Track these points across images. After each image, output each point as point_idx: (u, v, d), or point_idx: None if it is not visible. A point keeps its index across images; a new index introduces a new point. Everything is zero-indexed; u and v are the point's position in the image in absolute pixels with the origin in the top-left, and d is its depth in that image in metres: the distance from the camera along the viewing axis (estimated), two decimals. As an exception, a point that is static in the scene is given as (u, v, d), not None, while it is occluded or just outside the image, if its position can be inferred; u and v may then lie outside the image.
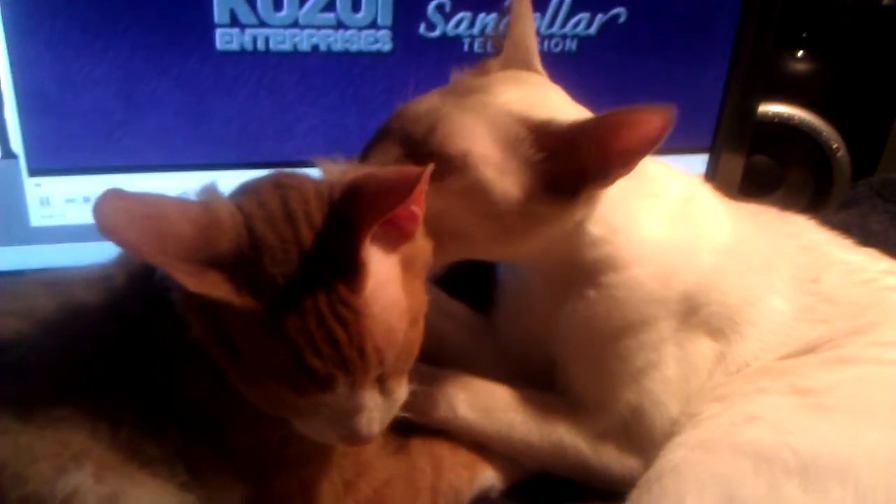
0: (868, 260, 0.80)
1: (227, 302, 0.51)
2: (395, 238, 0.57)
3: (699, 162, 1.00)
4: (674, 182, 0.76)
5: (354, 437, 0.56)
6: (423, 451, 0.72)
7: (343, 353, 0.53)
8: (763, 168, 1.30)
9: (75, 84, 0.80)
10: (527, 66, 0.74)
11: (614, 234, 0.70)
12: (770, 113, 1.24)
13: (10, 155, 0.81)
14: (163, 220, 0.52)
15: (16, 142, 0.81)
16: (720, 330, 0.73)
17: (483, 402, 0.74)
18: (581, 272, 0.71)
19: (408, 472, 0.70)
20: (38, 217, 0.85)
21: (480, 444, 0.74)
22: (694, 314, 0.72)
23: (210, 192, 0.56)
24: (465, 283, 0.82)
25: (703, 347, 0.73)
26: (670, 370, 0.72)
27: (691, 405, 0.73)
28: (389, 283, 0.56)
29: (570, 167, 0.64)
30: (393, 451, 0.71)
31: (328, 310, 0.53)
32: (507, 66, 0.73)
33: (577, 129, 0.63)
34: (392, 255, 0.57)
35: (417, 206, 0.57)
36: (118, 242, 0.50)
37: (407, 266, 0.58)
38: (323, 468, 0.65)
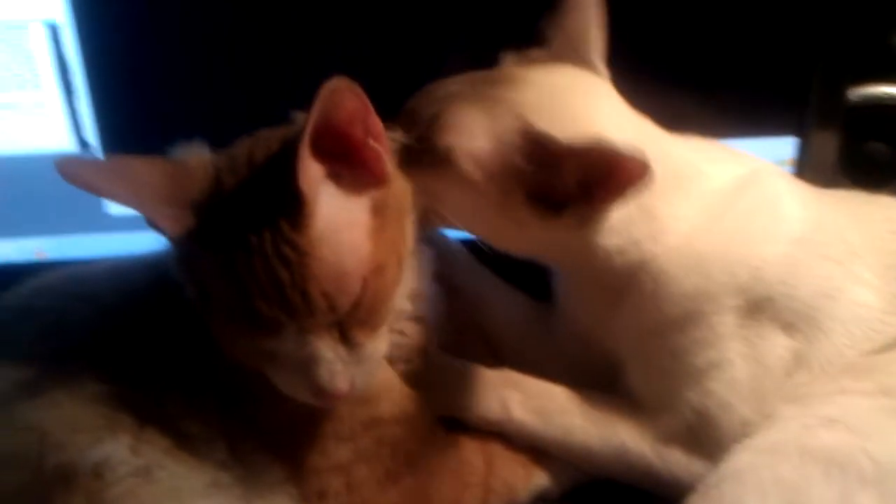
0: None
1: (195, 247, 0.53)
2: (363, 180, 0.56)
3: (787, 145, 0.92)
4: (718, 171, 0.71)
5: (318, 391, 0.55)
6: (475, 448, 0.70)
7: (286, 295, 0.52)
8: (880, 156, 1.20)
9: (147, 74, 0.83)
10: (581, 60, 0.70)
11: (636, 244, 0.67)
12: (887, 95, 1.14)
13: (85, 145, 0.85)
14: (131, 169, 0.54)
15: (90, 132, 0.84)
16: (793, 325, 0.68)
17: (539, 403, 0.72)
18: (619, 276, 0.68)
19: (456, 466, 0.69)
20: (115, 206, 0.87)
21: (536, 447, 0.72)
22: (759, 310, 0.67)
23: (188, 149, 0.58)
24: (528, 274, 0.79)
25: (775, 345, 0.68)
26: (737, 370, 0.67)
27: (766, 406, 0.67)
28: (349, 226, 0.55)
29: (555, 185, 0.62)
30: (441, 444, 0.69)
31: (272, 249, 0.52)
32: (557, 58, 0.70)
33: (566, 152, 0.61)
34: (358, 197, 0.56)
35: (379, 144, 0.56)
36: (87, 188, 0.52)
37: (377, 210, 0.57)
38: (359, 452, 0.64)
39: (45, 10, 0.80)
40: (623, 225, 0.66)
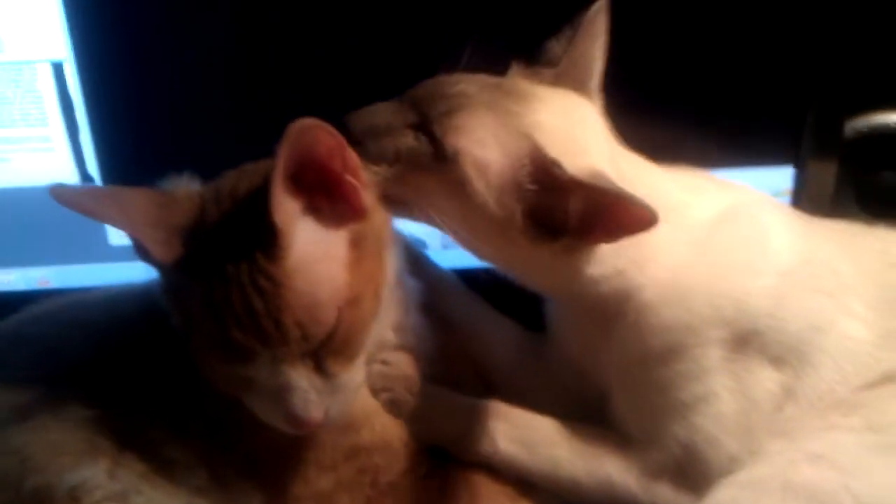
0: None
1: (180, 275, 0.55)
2: (341, 214, 0.58)
3: (785, 175, 0.92)
4: (704, 200, 0.70)
5: (292, 419, 0.56)
6: (459, 478, 0.70)
7: (260, 324, 0.53)
8: (891, 185, 1.18)
9: (145, 111, 0.85)
10: (581, 87, 0.70)
11: (620, 273, 0.67)
12: (888, 124, 1.13)
13: (87, 178, 0.88)
14: (122, 195, 0.57)
15: (91, 165, 0.87)
16: (782, 358, 0.66)
17: (525, 434, 0.71)
18: (605, 305, 0.68)
19: (438, 497, 0.69)
20: (115, 236, 0.91)
21: (522, 479, 0.71)
22: (745, 343, 0.66)
23: (178, 181, 0.61)
24: (521, 304, 0.79)
25: (763, 379, 0.67)
26: (724, 404, 0.66)
27: (754, 441, 0.66)
28: (325, 258, 0.56)
29: (555, 212, 0.62)
30: (425, 474, 0.69)
31: (248, 278, 0.54)
32: (559, 82, 0.70)
33: (575, 185, 0.61)
34: (337, 230, 0.58)
35: (356, 179, 0.58)
36: (79, 210, 0.54)
37: (355, 243, 0.58)
38: (340, 481, 0.65)
39: (51, 50, 0.83)
40: (608, 254, 0.66)
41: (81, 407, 0.61)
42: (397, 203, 0.66)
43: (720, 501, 0.62)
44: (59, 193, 0.54)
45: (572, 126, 0.67)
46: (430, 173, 0.64)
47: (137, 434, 0.60)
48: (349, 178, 0.58)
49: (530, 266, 0.68)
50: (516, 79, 0.70)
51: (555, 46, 0.71)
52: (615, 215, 0.60)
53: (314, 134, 0.54)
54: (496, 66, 0.70)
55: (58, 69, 0.84)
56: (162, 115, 0.86)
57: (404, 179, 0.64)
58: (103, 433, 0.60)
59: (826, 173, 0.90)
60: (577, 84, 0.70)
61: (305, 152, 0.54)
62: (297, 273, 0.54)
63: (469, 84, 0.67)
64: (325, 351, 0.56)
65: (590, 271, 0.67)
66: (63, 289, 0.90)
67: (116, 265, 0.92)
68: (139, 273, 0.81)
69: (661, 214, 0.67)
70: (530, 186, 0.63)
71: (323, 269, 0.56)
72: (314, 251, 0.56)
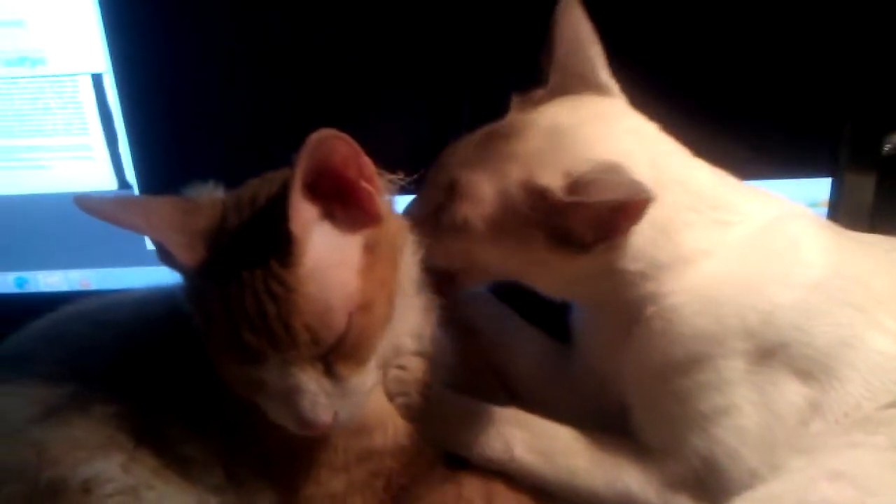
0: None
1: (200, 278, 0.57)
2: (357, 219, 0.59)
3: (823, 186, 0.90)
4: (748, 209, 0.69)
5: (301, 421, 0.57)
6: (476, 486, 0.70)
7: (271, 328, 0.55)
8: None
9: (183, 119, 0.88)
10: (584, 83, 0.70)
11: (658, 270, 0.66)
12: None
13: (125, 185, 0.91)
14: (145, 203, 0.61)
15: (129, 173, 0.91)
16: (809, 373, 0.65)
17: (543, 443, 0.71)
18: (631, 311, 0.67)
19: (453, 502, 0.68)
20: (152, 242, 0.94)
21: (539, 488, 0.70)
22: (771, 355, 0.64)
23: (202, 188, 0.63)
24: (547, 315, 0.79)
25: (788, 393, 0.65)
26: (747, 418, 0.65)
27: (776, 456, 0.65)
28: (339, 264, 0.57)
29: (570, 229, 0.63)
30: (440, 480, 0.69)
31: (262, 284, 0.55)
32: (562, 91, 0.70)
33: (568, 207, 0.62)
34: (352, 236, 0.59)
35: (371, 185, 0.59)
36: (103, 217, 0.57)
37: (369, 249, 0.59)
38: (353, 483, 0.65)
39: (91, 63, 0.87)
40: (646, 249, 0.66)
41: (104, 404, 0.63)
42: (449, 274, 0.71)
43: (732, 517, 0.60)
44: (83, 203, 0.56)
45: (566, 134, 0.66)
46: (462, 240, 0.67)
47: (155, 431, 0.62)
48: (364, 184, 0.59)
49: (575, 279, 0.69)
50: (510, 116, 0.71)
51: (542, 61, 0.72)
52: (613, 216, 0.61)
53: (331, 143, 0.56)
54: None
55: (97, 81, 0.87)
56: (197, 125, 0.89)
57: (447, 249, 0.68)
58: (122, 429, 0.62)
59: (864, 186, 0.87)
60: (577, 84, 0.70)
61: (322, 161, 0.56)
62: (309, 279, 0.56)
63: (463, 148, 0.70)
64: (336, 355, 0.57)
65: (630, 267, 0.66)
66: (102, 290, 0.94)
67: (153, 269, 0.93)
68: (174, 276, 0.84)
69: (711, 216, 0.68)
70: (537, 215, 0.63)
71: (336, 274, 0.57)
72: (328, 257, 0.57)
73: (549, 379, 0.80)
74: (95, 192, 0.91)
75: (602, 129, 0.68)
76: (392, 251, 0.62)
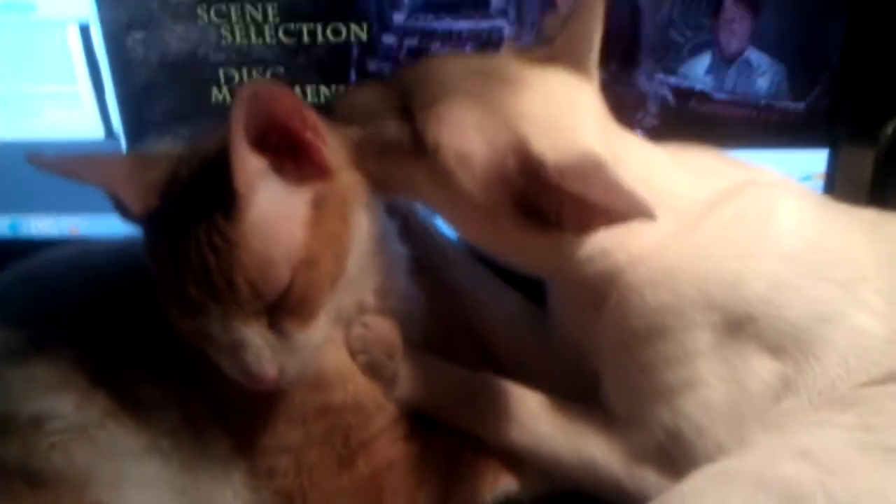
0: None
1: (151, 230, 0.58)
2: (305, 172, 0.58)
3: (819, 158, 0.87)
4: (705, 183, 0.67)
5: (247, 374, 0.57)
6: (442, 444, 0.70)
7: (213, 281, 0.55)
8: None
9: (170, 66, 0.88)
10: (578, 64, 0.67)
11: (605, 256, 0.64)
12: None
13: (111, 133, 0.91)
14: (98, 160, 0.61)
15: (116, 122, 0.90)
16: (780, 348, 0.63)
17: (510, 408, 0.70)
18: (593, 285, 0.66)
19: (415, 460, 0.68)
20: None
21: (508, 452, 0.70)
22: (738, 328, 0.63)
23: (160, 143, 0.63)
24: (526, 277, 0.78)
25: (757, 367, 0.63)
26: (713, 391, 0.64)
27: (745, 431, 0.64)
28: (284, 218, 0.57)
29: (544, 206, 0.60)
30: (402, 435, 0.69)
31: (205, 237, 0.55)
32: (553, 59, 0.66)
33: (563, 192, 0.58)
34: (299, 189, 0.58)
35: (317, 137, 0.58)
36: (58, 174, 0.58)
37: (318, 203, 0.58)
38: (310, 437, 0.65)
39: (78, 10, 0.87)
40: (594, 237, 0.63)
41: (66, 344, 0.63)
42: (385, 186, 0.65)
43: (687, 491, 0.59)
44: (39, 161, 0.57)
45: (562, 109, 0.64)
46: (413, 161, 0.63)
47: (113, 372, 0.63)
48: (310, 135, 0.58)
49: (517, 249, 0.67)
50: (506, 59, 0.67)
51: (551, 23, 0.69)
52: (604, 220, 0.58)
53: (270, 94, 0.55)
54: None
55: (84, 32, 0.87)
56: (181, 77, 0.88)
57: (389, 164, 0.64)
58: (80, 369, 0.62)
59: (862, 159, 0.84)
60: (573, 61, 0.66)
61: (265, 112, 0.55)
62: (252, 234, 0.55)
63: (453, 70, 0.64)
64: (280, 310, 0.57)
65: (577, 254, 0.64)
66: (91, 236, 0.96)
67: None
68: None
69: (651, 196, 0.64)
70: (517, 179, 0.60)
71: (280, 229, 0.57)
72: (273, 211, 0.57)
73: (527, 343, 0.79)
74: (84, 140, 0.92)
75: (583, 116, 0.65)
76: (342, 206, 0.60)
